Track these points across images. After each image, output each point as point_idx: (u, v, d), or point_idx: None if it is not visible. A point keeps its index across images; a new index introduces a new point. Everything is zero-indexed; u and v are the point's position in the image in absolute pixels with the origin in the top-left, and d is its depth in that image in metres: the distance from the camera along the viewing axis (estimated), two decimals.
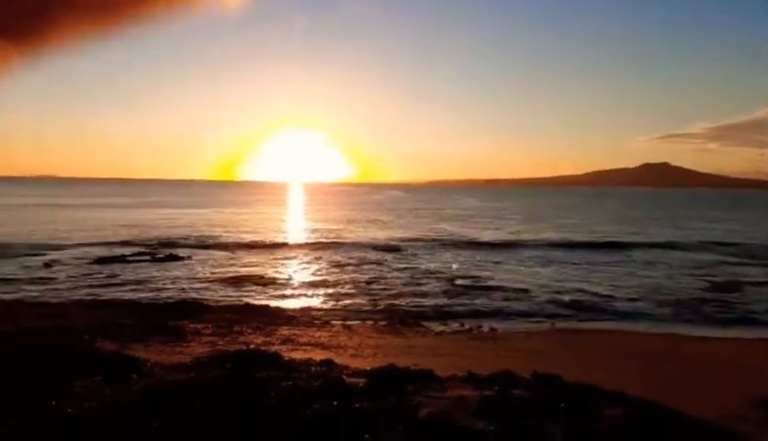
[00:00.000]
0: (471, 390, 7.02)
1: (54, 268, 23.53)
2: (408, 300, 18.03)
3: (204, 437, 5.39)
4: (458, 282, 21.63)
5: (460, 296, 19.02)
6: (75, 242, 32.33)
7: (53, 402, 6.33)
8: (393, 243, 34.74)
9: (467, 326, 14.41)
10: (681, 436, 5.52)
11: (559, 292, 19.64)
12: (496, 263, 27.23)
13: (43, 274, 22.11)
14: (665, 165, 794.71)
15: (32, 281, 20.47)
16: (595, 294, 19.78)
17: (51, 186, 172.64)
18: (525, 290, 20.23)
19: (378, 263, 26.47)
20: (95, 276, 21.89)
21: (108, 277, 21.74)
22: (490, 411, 6.05)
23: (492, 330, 13.90)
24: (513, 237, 40.11)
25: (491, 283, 21.59)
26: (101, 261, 25.60)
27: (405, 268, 24.92)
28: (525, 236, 40.77)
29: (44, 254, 27.06)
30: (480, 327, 14.36)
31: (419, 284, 21.11)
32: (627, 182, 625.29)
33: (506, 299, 18.64)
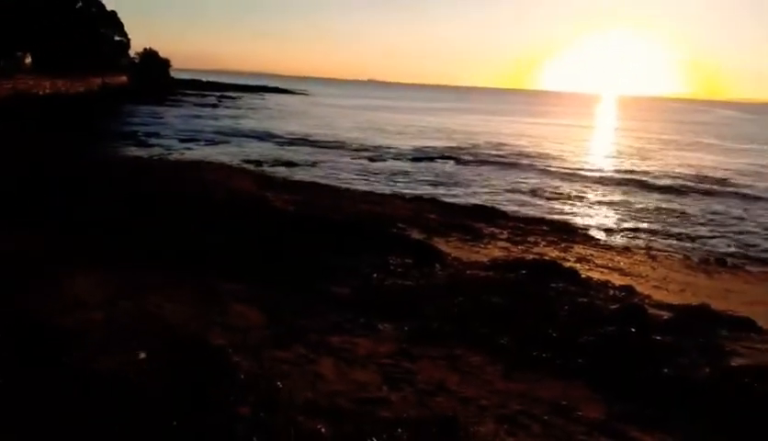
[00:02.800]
0: None
1: (378, 164, 26.90)
2: (729, 238, 15.67)
3: (497, 329, 5.72)
4: None
5: None
6: (395, 141, 36.27)
7: (375, 275, 7.43)
8: (714, 171, 30.16)
9: None
10: None
11: None
12: None
13: (370, 167, 25.49)
14: None
15: (360, 173, 23.77)
16: None
17: (373, 90, 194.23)
18: None
19: (695, 192, 23.41)
20: (410, 173, 24.38)
21: (422, 175, 24.01)
22: None
23: None
24: None
25: None
26: (416, 159, 28.39)
27: (730, 202, 21.55)
28: None
29: (370, 150, 31.09)
30: None
31: (746, 221, 18.11)
32: None
33: None
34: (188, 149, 27.78)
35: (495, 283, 7.12)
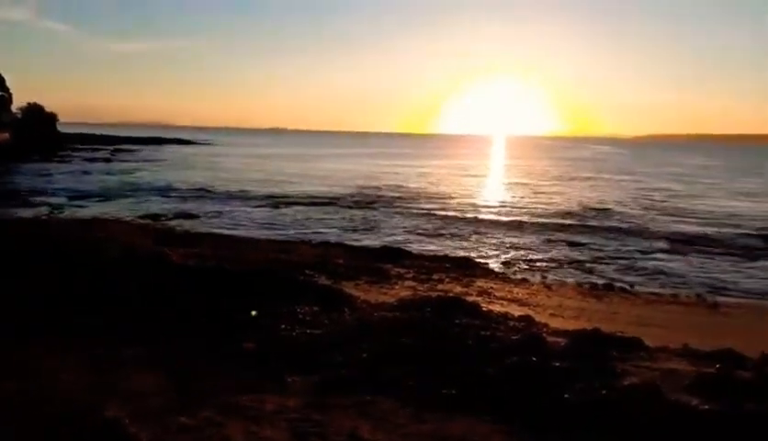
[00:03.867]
0: (685, 365, 6.45)
1: (283, 211, 26.68)
2: (615, 265, 16.92)
3: (405, 370, 5.78)
4: (676, 247, 19.65)
5: (677, 262, 17.30)
6: (300, 187, 36.24)
7: (282, 326, 7.30)
8: (598, 203, 32.63)
9: (683, 297, 13.10)
10: None
11: None
12: (721, 229, 24.05)
13: (275, 215, 25.24)
14: None
15: (265, 222, 23.47)
16: None
17: (278, 137, 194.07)
18: (757, 259, 17.89)
19: (580, 222, 25.16)
20: (316, 219, 24.39)
21: (328, 220, 24.08)
22: (706, 389, 5.51)
23: (715, 304, 12.45)
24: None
25: (716, 250, 19.26)
26: (322, 205, 28.52)
27: (611, 229, 23.33)
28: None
29: (275, 198, 30.83)
30: (701, 299, 12.94)
31: (627, 246, 19.66)
32: None
33: (732, 270, 16.52)
34: (80, 206, 26.23)
35: (403, 323, 7.22)
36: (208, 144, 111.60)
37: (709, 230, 23.79)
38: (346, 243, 18.48)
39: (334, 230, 21.85)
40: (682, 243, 20.40)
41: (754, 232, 23.19)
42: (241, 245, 16.11)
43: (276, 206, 27.91)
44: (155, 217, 23.17)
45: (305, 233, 20.72)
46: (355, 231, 21.88)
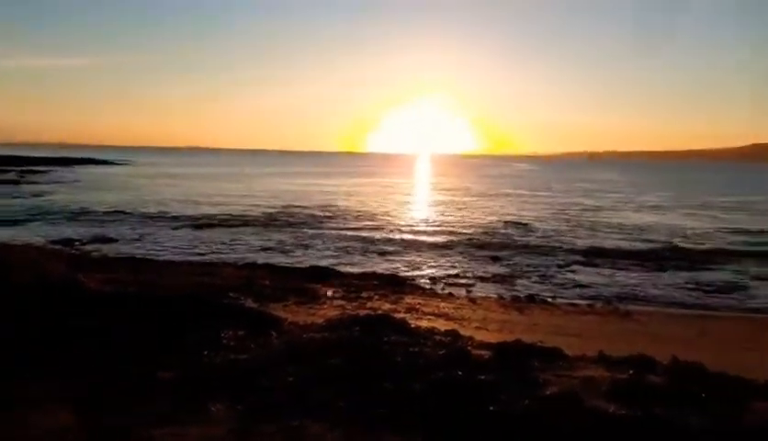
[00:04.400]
0: (602, 372, 6.77)
1: (206, 231, 25.92)
2: (534, 277, 17.60)
3: (335, 391, 5.73)
4: (591, 260, 20.68)
5: (592, 274, 18.22)
6: (223, 208, 35.33)
7: (205, 352, 7.06)
8: (518, 217, 33.89)
9: (598, 305, 13.80)
10: None
11: (696, 281, 17.95)
12: (631, 240, 25.57)
13: (198, 237, 24.46)
14: None
15: (187, 244, 22.70)
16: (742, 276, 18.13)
17: (204, 157, 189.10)
18: (672, 263, 19.42)
19: (503, 237, 26.02)
20: (239, 239, 23.83)
21: (251, 241, 23.56)
22: (622, 394, 5.81)
23: (627, 312, 13.18)
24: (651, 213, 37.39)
25: (627, 262, 20.42)
26: (246, 225, 27.89)
27: (531, 243, 24.27)
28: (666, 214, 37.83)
29: (197, 220, 29.88)
30: (614, 308, 13.68)
31: (546, 260, 20.50)
32: None
33: (642, 279, 17.61)
34: None
35: (331, 344, 7.17)
36: (126, 164, 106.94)
37: (620, 242, 25.26)
38: (273, 263, 18.18)
39: (261, 251, 21.45)
40: (596, 256, 21.50)
41: (660, 244, 24.80)
42: (162, 269, 15.52)
43: (199, 227, 27.08)
44: (69, 241, 21.91)
45: (230, 255, 20.21)
46: (282, 251, 21.57)
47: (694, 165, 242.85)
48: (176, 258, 19.02)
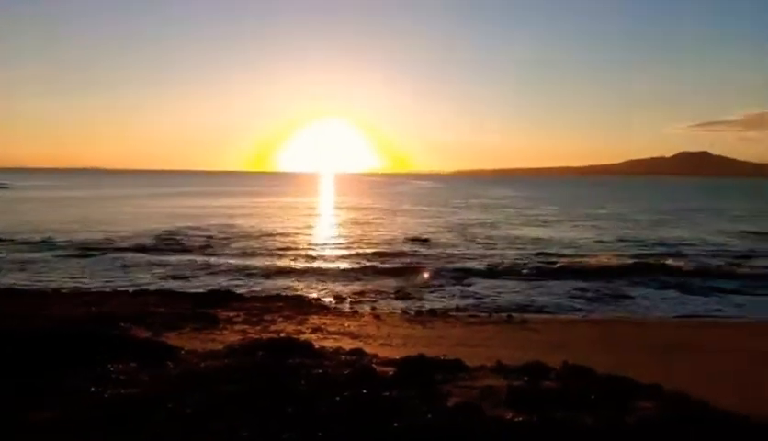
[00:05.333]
0: (501, 380, 7.02)
1: (95, 258, 24.23)
2: (438, 292, 18.04)
3: (237, 420, 5.51)
4: (488, 273, 21.54)
5: (490, 286, 18.97)
6: (115, 233, 33.20)
7: (92, 388, 6.55)
8: (421, 233, 34.70)
9: (496, 317, 14.36)
10: (717, 431, 5.41)
11: (583, 289, 19.24)
12: (524, 253, 26.94)
13: (87, 264, 22.80)
14: (704, 154, 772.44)
15: (74, 272, 21.12)
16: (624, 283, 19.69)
17: (97, 178, 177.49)
18: (561, 273, 20.63)
19: (406, 253, 26.48)
20: (132, 265, 22.48)
21: (145, 266, 22.31)
22: (519, 401, 6.05)
23: (523, 321, 13.82)
24: (540, 228, 39.67)
25: (521, 273, 21.47)
26: (139, 250, 26.30)
27: (432, 258, 24.88)
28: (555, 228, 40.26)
29: (85, 246, 27.84)
30: (510, 316, 14.31)
31: (447, 274, 21.08)
32: (663, 171, 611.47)
33: (535, 290, 18.62)
34: None
35: (231, 370, 6.91)
36: (3, 188, 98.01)
37: (514, 255, 26.48)
38: (169, 289, 17.34)
39: (156, 276, 20.37)
40: (492, 269, 22.43)
41: (552, 256, 26.27)
42: (46, 300, 14.37)
43: (88, 254, 25.27)
44: None
45: (122, 282, 19.02)
46: (178, 276, 20.58)
47: (579, 181, 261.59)
48: (62, 287, 17.63)
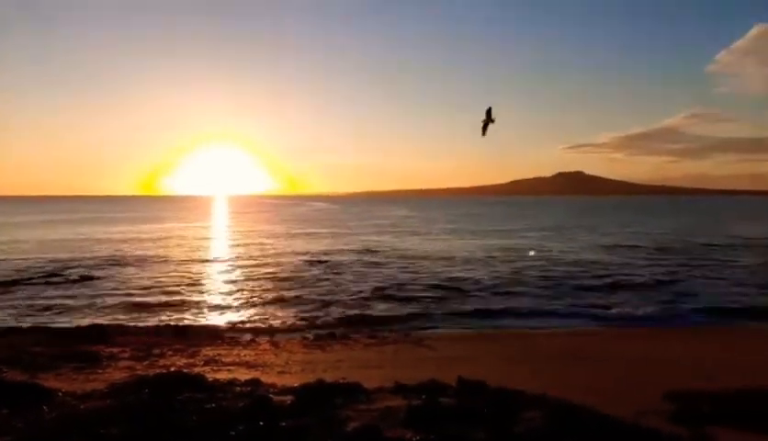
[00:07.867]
0: (399, 401, 7.10)
1: None
2: (335, 315, 17.98)
3: None
4: (384, 291, 21.81)
5: (387, 307, 19.21)
6: None
7: None
8: (319, 255, 34.53)
9: (394, 336, 14.54)
10: (596, 435, 5.81)
11: (462, 305, 20.02)
12: (419, 269, 27.59)
13: None
14: (579, 174, 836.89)
15: None
16: (517, 296, 20.72)
17: None
18: (455, 290, 21.42)
19: (304, 276, 26.22)
20: (4, 300, 20.41)
21: (19, 301, 20.33)
22: (417, 420, 6.15)
23: (419, 338, 14.11)
24: (441, 242, 40.91)
25: (417, 293, 21.94)
26: (10, 284, 23.90)
27: (331, 280, 24.82)
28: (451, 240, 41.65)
29: None
30: (407, 335, 14.57)
31: (345, 296, 21.09)
32: (544, 190, 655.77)
33: (431, 303, 19.24)
34: None
35: (115, 411, 6.45)
36: None
37: (411, 274, 27.03)
38: (46, 325, 15.92)
39: (31, 312, 18.60)
40: (391, 288, 22.74)
41: (436, 274, 27.11)
42: None
43: None
44: None
45: None
46: (57, 311, 18.92)
47: (470, 201, 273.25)
48: None
